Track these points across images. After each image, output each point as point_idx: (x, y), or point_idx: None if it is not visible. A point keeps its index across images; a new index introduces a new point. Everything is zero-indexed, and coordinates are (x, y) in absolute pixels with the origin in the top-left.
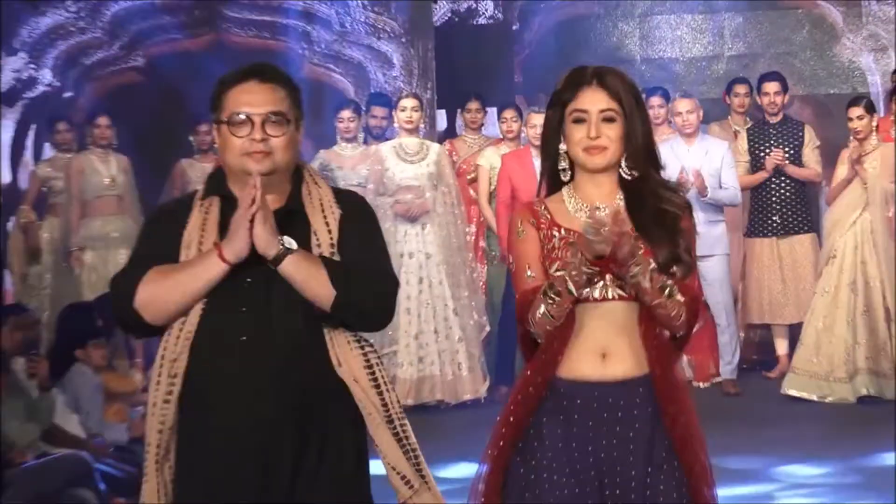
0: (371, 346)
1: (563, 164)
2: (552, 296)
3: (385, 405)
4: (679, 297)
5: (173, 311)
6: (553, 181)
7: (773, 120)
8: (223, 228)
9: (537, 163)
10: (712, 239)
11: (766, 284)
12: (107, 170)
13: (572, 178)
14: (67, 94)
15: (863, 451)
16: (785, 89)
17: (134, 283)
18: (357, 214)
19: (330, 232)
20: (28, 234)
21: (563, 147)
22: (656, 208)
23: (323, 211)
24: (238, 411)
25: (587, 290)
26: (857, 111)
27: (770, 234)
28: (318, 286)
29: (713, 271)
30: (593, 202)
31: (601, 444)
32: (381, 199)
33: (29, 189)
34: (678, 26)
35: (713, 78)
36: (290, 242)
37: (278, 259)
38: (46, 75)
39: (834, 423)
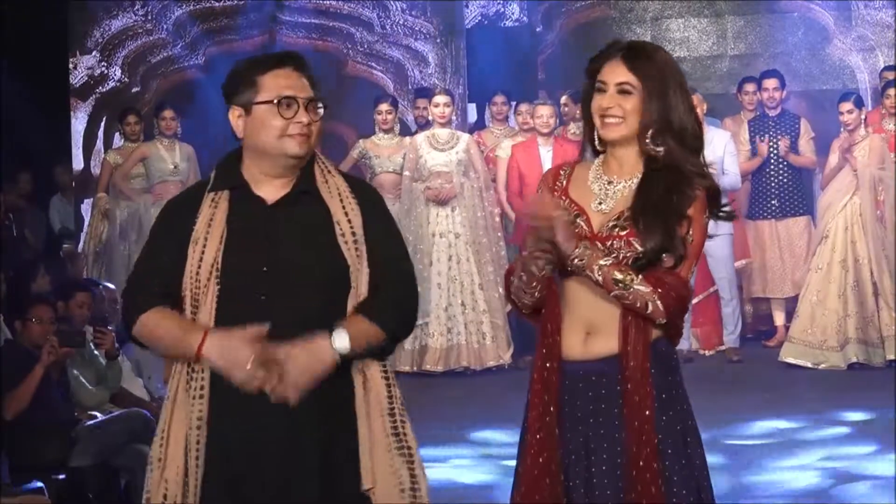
0: None
1: (595, 136)
2: (521, 274)
3: (391, 398)
4: (641, 287)
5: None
6: (594, 146)
7: (773, 113)
8: (232, 220)
9: (544, 152)
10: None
11: (766, 262)
12: (171, 157)
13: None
14: (135, 90)
15: (853, 412)
16: (783, 85)
17: (136, 311)
18: (374, 205)
19: (350, 222)
20: (109, 218)
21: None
22: (665, 191)
23: (342, 200)
24: (264, 407)
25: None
26: (847, 106)
27: (769, 216)
28: (376, 343)
29: (718, 249)
30: (613, 175)
31: (589, 423)
32: (415, 184)
33: (101, 175)
34: (686, 28)
35: (717, 75)
36: (341, 339)
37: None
38: (116, 72)
39: (826, 387)
